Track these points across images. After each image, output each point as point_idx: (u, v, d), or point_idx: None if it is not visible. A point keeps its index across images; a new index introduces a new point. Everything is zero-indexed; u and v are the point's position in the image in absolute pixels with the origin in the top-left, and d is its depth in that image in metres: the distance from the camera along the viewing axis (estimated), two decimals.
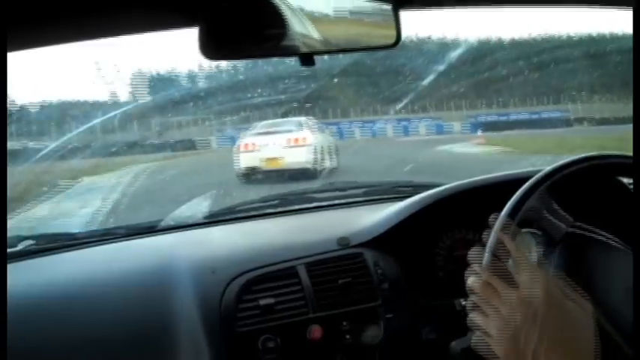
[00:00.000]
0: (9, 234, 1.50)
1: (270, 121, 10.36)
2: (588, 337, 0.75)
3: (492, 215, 0.89)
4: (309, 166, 8.52)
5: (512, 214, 0.96)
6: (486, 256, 0.86)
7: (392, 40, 0.92)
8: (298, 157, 8.67)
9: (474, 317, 0.84)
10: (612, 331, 0.87)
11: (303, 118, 10.36)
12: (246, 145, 8.85)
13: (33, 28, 0.88)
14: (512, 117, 16.98)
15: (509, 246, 0.83)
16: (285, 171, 8.40)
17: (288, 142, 8.93)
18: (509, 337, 0.77)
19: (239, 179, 8.45)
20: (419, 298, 1.39)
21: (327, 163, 8.84)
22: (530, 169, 1.29)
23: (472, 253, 0.88)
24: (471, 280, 0.86)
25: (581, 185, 1.04)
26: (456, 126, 16.21)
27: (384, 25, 0.90)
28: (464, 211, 1.45)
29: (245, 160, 8.54)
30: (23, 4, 0.80)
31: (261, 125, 9.90)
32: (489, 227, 0.94)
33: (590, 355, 0.74)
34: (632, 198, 1.07)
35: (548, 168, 1.02)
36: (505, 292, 0.80)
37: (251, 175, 8.49)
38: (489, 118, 17.16)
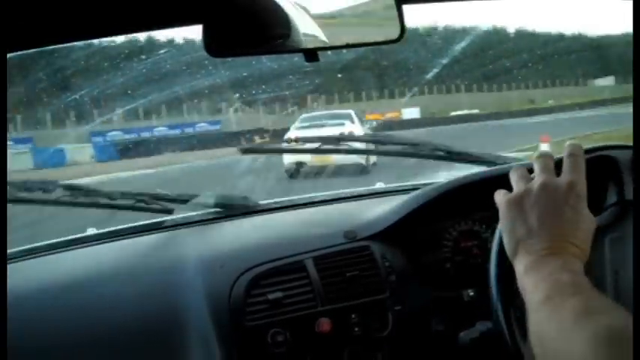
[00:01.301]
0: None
1: (315, 114, 10.56)
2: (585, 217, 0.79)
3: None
4: (362, 161, 8.22)
5: None
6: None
7: (396, 35, 0.92)
8: None
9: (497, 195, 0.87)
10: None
11: (350, 111, 10.11)
12: (291, 139, 7.97)
13: (33, 28, 0.88)
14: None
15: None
16: (336, 167, 7.93)
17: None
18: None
19: (286, 174, 8.28)
20: (427, 289, 1.39)
21: (372, 158, 8.36)
22: None
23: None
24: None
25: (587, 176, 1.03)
26: None
27: (387, 20, 0.90)
28: (470, 203, 1.45)
29: (291, 156, 7.84)
30: (25, 3, 0.81)
31: (304, 118, 9.65)
32: (497, 219, 0.95)
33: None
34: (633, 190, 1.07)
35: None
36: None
37: (299, 171, 8.25)
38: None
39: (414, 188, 1.56)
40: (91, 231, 1.60)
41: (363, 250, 1.38)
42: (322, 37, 0.92)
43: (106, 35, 1.00)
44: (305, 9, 0.90)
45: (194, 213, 1.66)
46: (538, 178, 0.82)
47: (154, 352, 1.22)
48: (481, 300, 1.27)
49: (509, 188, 0.99)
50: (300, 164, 8.25)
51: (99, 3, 0.88)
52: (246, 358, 1.24)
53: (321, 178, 7.74)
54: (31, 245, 1.48)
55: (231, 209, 1.68)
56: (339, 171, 7.78)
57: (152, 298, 1.29)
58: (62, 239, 1.51)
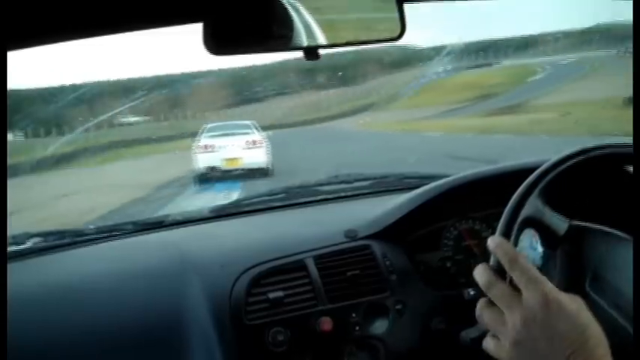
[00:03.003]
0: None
1: (221, 124, 11.42)
2: (594, 332, 0.72)
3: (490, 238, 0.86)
4: (265, 165, 9.45)
5: (512, 214, 0.96)
6: (486, 276, 0.84)
7: (396, 33, 0.91)
8: (257, 157, 9.60)
9: (486, 344, 0.82)
10: (625, 323, 0.86)
11: (251, 121, 11.17)
12: (205, 146, 9.69)
13: (33, 26, 0.88)
14: None
15: (509, 257, 0.80)
16: (243, 170, 9.26)
17: (247, 144, 9.84)
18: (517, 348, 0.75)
19: (196, 179, 9.25)
20: (427, 288, 1.39)
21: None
22: (538, 158, 1.28)
23: (476, 272, 0.86)
24: (478, 308, 0.84)
25: (582, 178, 1.03)
26: None
27: (388, 18, 0.90)
28: (471, 202, 1.45)
29: (204, 160, 9.37)
30: (25, 1, 0.80)
31: (212, 127, 10.79)
32: (497, 217, 0.95)
33: (599, 347, 0.72)
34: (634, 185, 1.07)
35: (551, 160, 1.01)
36: (509, 312, 0.77)
37: (210, 174, 9.25)
38: None
39: (414, 187, 1.56)
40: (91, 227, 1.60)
41: (363, 249, 1.38)
42: (323, 35, 0.91)
43: (106, 33, 1.00)
44: (306, 7, 0.90)
45: (194, 211, 1.66)
46: (511, 316, 0.76)
47: (155, 352, 1.21)
48: None
49: (510, 187, 0.99)
50: (212, 168, 9.39)
51: (99, 1, 0.88)
52: (246, 356, 1.24)
53: (231, 179, 8.89)
54: (29, 244, 1.48)
55: (232, 208, 1.68)
56: (246, 173, 9.07)
57: (152, 298, 1.29)
58: (62, 240, 1.51)
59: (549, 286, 0.74)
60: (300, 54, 0.96)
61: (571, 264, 0.97)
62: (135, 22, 0.97)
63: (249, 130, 10.48)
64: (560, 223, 0.95)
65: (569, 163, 1.00)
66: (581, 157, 1.01)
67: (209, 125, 11.08)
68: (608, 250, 0.96)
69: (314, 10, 0.90)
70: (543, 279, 0.75)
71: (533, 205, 0.95)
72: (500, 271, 0.81)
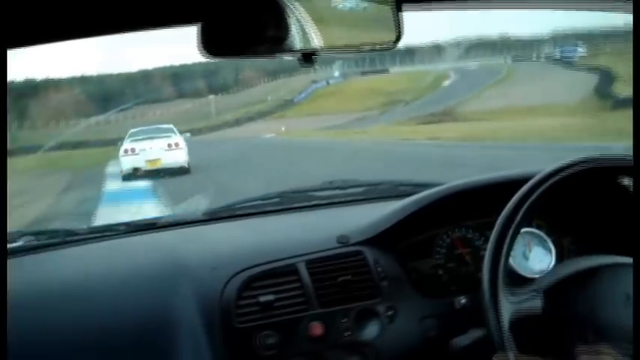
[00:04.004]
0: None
1: (143, 128, 12.66)
2: None
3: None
4: (185, 164, 10.71)
5: (510, 217, 0.96)
6: None
7: (392, 39, 0.92)
8: (177, 157, 10.81)
9: None
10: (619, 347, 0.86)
11: (170, 125, 12.69)
12: (126, 150, 10.93)
13: (33, 25, 0.88)
14: None
15: None
16: (164, 169, 10.41)
17: (168, 146, 11.02)
18: None
19: (123, 179, 10.48)
20: (419, 296, 1.39)
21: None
22: (532, 169, 1.29)
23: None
24: None
25: (581, 186, 1.03)
26: None
27: (384, 24, 0.90)
28: (464, 210, 1.45)
29: (128, 163, 10.67)
30: (24, 1, 0.80)
31: (134, 132, 11.99)
32: (490, 226, 0.95)
33: None
34: (631, 199, 1.07)
35: (544, 171, 1.01)
36: None
37: (134, 175, 10.45)
38: None
39: (408, 194, 1.56)
40: (83, 228, 1.59)
41: (355, 255, 1.38)
42: (320, 39, 0.91)
43: (104, 33, 1.00)
44: (303, 11, 0.90)
45: (187, 214, 1.65)
46: None
47: (144, 353, 1.21)
48: (473, 307, 1.27)
49: (502, 196, 0.99)
50: (136, 169, 10.59)
51: (96, 2, 0.88)
52: (235, 359, 1.23)
53: (153, 178, 10.04)
54: (21, 243, 1.47)
55: (224, 211, 1.67)
56: (166, 171, 10.20)
57: (143, 299, 1.29)
58: (55, 239, 1.50)
59: None
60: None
61: (564, 329, 0.96)
62: (133, 24, 0.97)
63: (170, 134, 11.65)
64: (533, 302, 0.95)
65: (569, 172, 1.00)
66: (581, 167, 1.01)
67: (131, 130, 12.23)
68: (591, 289, 0.95)
69: (311, 14, 0.90)
70: None
71: (506, 307, 0.94)
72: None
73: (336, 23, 0.93)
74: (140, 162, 10.65)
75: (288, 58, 0.95)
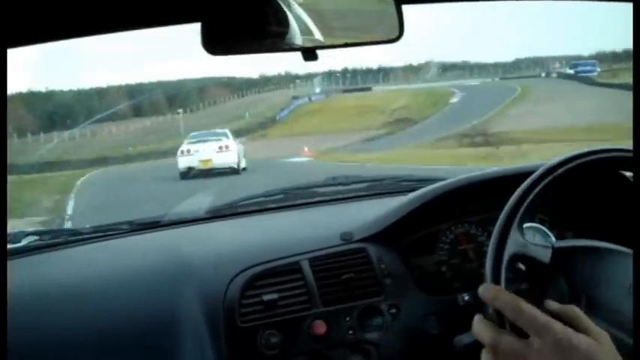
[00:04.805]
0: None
1: (202, 132, 14.83)
2: None
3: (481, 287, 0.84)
4: (234, 165, 12.50)
5: (513, 210, 0.95)
6: (489, 333, 0.81)
7: (394, 35, 0.91)
8: (227, 159, 12.64)
9: None
10: (629, 340, 0.85)
11: (225, 130, 14.65)
12: (182, 151, 12.93)
13: (33, 24, 0.88)
14: None
15: (511, 307, 0.76)
16: (215, 169, 12.19)
17: (219, 148, 12.85)
18: None
19: (180, 176, 12.23)
20: (422, 293, 1.39)
21: (242, 164, 13.07)
22: (535, 163, 1.28)
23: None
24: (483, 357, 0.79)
25: (583, 180, 1.02)
26: None
27: (386, 20, 0.90)
28: (467, 206, 1.45)
29: (183, 162, 12.62)
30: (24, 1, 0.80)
31: (193, 135, 14.11)
32: (493, 221, 0.94)
33: None
34: (633, 191, 1.06)
35: (546, 165, 1.00)
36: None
37: (189, 173, 12.22)
38: None
39: (411, 190, 1.55)
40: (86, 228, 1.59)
41: (359, 252, 1.38)
42: (321, 36, 0.91)
43: (105, 32, 1.00)
44: (305, 7, 0.90)
45: (190, 212, 1.65)
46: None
47: (148, 352, 1.21)
48: (476, 304, 1.27)
49: (506, 191, 0.98)
50: (190, 168, 12.36)
51: (98, 0, 0.88)
52: (239, 358, 1.23)
53: (206, 177, 11.53)
54: (25, 243, 1.47)
55: (227, 209, 1.67)
56: (219, 171, 11.91)
57: (146, 298, 1.28)
58: (58, 239, 1.50)
59: (559, 329, 0.72)
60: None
61: (562, 291, 0.95)
62: (134, 22, 0.97)
63: (222, 137, 13.54)
64: (543, 252, 0.94)
65: (574, 164, 0.99)
66: (586, 159, 1.00)
67: (191, 134, 14.36)
68: (598, 267, 0.94)
69: (312, 11, 0.90)
70: (552, 322, 0.72)
71: (515, 241, 0.93)
72: (499, 318, 0.78)
73: (336, 18, 0.93)
74: (194, 162, 12.43)
75: (288, 54, 0.95)
